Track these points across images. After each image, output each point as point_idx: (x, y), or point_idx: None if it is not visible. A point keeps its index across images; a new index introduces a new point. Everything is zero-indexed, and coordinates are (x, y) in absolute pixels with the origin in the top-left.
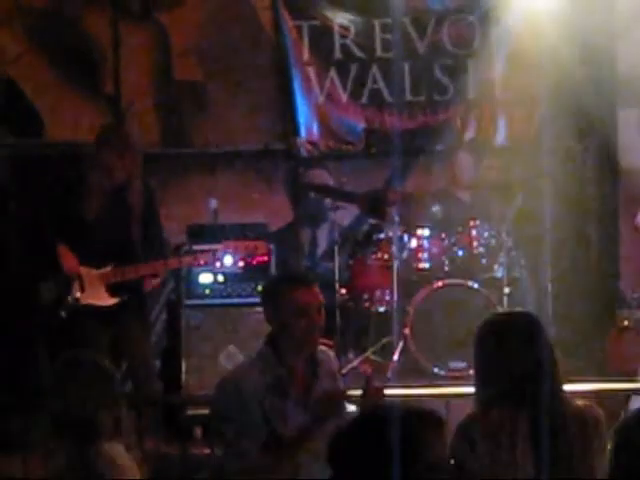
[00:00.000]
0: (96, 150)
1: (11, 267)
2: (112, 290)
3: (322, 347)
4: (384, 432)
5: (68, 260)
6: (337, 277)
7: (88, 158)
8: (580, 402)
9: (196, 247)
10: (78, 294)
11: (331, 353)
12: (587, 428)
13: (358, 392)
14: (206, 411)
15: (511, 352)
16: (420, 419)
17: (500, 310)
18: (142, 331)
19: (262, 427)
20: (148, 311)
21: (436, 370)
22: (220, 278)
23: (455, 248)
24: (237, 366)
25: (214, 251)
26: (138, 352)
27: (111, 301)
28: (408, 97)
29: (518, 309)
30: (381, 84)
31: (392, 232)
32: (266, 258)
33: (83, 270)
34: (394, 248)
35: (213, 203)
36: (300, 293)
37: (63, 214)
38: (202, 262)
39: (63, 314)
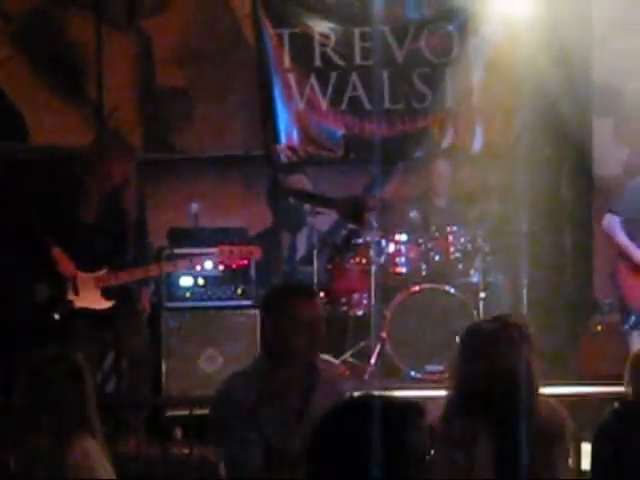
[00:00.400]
0: (95, 154)
1: (3, 268)
2: (106, 293)
3: (325, 356)
4: (368, 423)
5: (64, 263)
6: (316, 281)
7: (83, 162)
8: (546, 405)
9: (177, 251)
10: (72, 297)
11: (335, 362)
12: (552, 432)
13: None
14: (186, 412)
15: (491, 359)
16: (405, 410)
17: (476, 315)
18: (135, 334)
19: (258, 439)
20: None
21: (413, 373)
22: (200, 281)
23: (432, 253)
24: (231, 376)
25: (210, 254)
26: (131, 354)
27: (106, 304)
28: (387, 105)
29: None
30: (360, 92)
31: (370, 237)
32: (246, 262)
33: (78, 275)
34: (372, 253)
35: (194, 207)
36: (303, 306)
37: (58, 217)
38: (196, 265)
39: (57, 317)
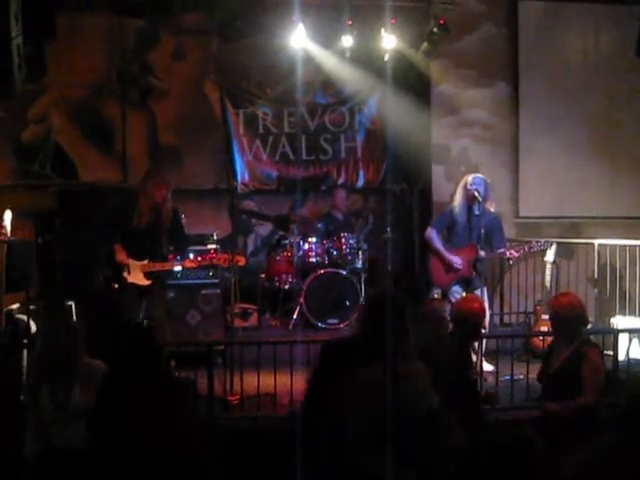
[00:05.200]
0: (143, 183)
1: (84, 258)
2: (146, 275)
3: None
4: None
5: (122, 255)
6: (259, 267)
7: (139, 188)
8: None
9: (196, 257)
10: (126, 275)
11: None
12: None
13: None
14: (176, 349)
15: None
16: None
17: (359, 289)
18: (161, 302)
19: None
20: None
21: (319, 324)
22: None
23: (332, 250)
24: None
25: (211, 261)
26: (157, 311)
27: (145, 282)
28: (304, 157)
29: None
30: (287, 149)
31: (293, 239)
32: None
33: (130, 262)
34: (294, 249)
35: (183, 220)
36: None
37: (121, 225)
38: (201, 263)
39: (116, 286)
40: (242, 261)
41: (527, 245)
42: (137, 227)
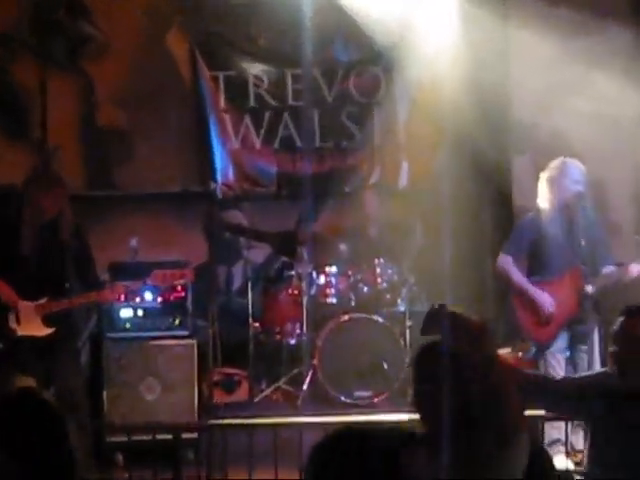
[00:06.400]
0: (26, 188)
1: None
2: (47, 321)
3: None
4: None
5: (5, 293)
6: (251, 311)
7: (19, 196)
8: None
9: (118, 283)
10: (14, 326)
11: None
12: None
13: None
14: (125, 438)
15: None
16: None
17: (403, 342)
18: (73, 361)
19: None
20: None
21: (343, 398)
22: (140, 312)
23: (360, 284)
24: None
25: (144, 282)
26: (68, 381)
27: (46, 331)
28: (317, 143)
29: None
30: (292, 130)
31: (302, 269)
32: (183, 294)
33: (20, 303)
34: (304, 284)
35: (133, 242)
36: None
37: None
38: (132, 293)
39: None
40: (189, 275)
41: None
42: (20, 253)
